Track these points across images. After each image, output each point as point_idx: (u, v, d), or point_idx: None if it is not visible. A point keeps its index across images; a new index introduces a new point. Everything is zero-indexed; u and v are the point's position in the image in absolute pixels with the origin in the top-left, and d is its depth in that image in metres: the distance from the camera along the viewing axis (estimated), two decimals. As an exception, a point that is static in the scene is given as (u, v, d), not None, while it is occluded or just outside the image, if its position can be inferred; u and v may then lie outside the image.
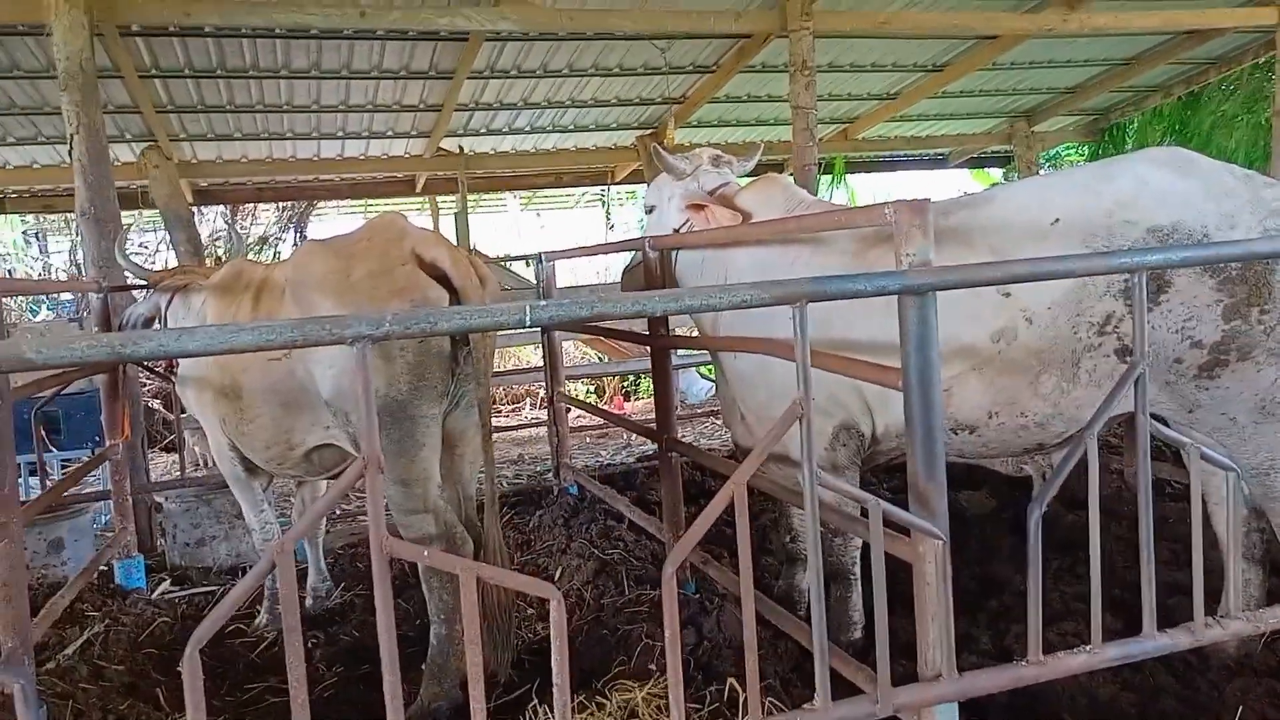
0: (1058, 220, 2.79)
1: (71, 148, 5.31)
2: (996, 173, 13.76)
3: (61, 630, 3.85)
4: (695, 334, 4.30)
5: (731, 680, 2.85)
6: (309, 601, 4.23)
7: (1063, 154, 13.26)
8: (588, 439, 8.81)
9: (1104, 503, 2.24)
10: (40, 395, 4.78)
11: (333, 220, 13.33)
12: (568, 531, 4.69)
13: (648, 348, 3.88)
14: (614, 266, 11.79)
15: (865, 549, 3.28)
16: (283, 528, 4.23)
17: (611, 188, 13.56)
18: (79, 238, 12.29)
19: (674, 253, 3.82)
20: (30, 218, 12.60)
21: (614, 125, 9.93)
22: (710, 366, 9.75)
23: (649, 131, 10.00)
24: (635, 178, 11.44)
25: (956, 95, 10.23)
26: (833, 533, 3.30)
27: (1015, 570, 3.85)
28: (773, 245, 3.35)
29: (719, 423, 8.91)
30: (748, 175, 3.96)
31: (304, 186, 10.90)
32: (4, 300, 4.91)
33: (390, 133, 9.20)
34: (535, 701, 2.86)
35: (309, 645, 3.78)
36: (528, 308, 1.87)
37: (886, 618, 2.06)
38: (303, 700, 1.74)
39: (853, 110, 10.50)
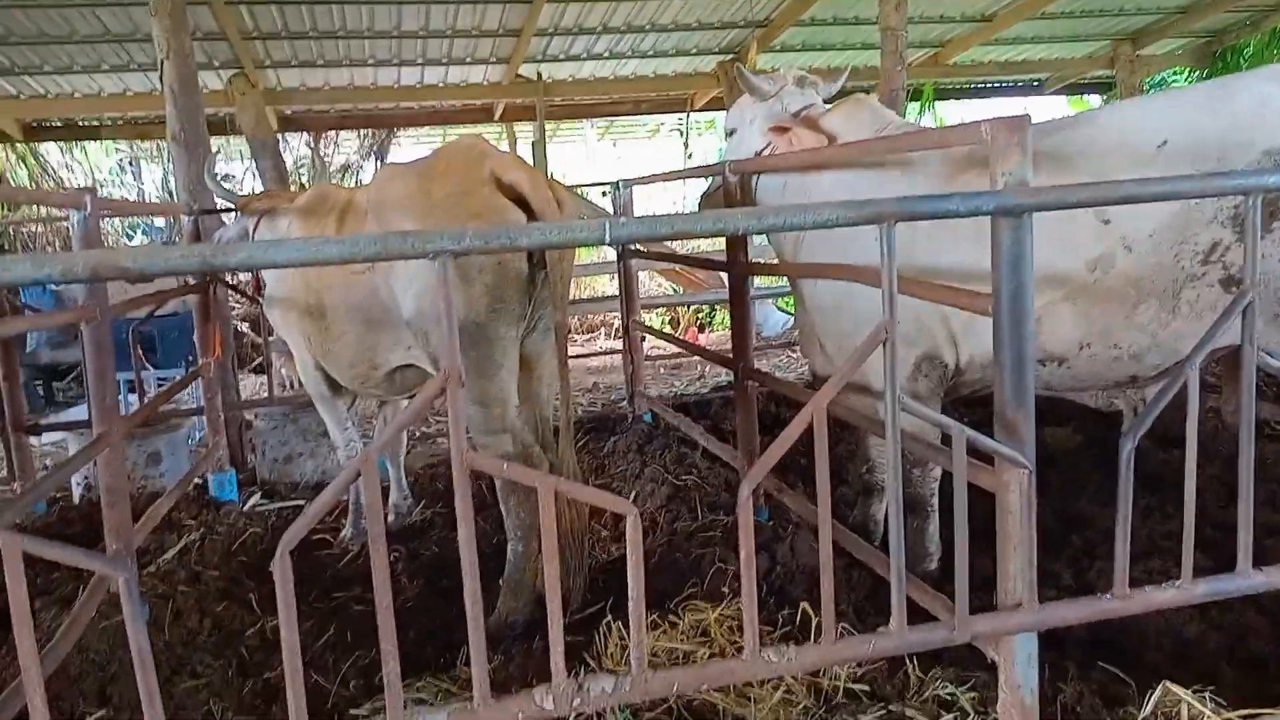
0: (1165, 142, 2.63)
1: (162, 74, 5.41)
2: (1096, 100, 13.08)
3: (161, 536, 4.05)
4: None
5: (804, 605, 2.85)
6: (391, 518, 4.36)
7: (1169, 80, 12.52)
8: (662, 369, 8.83)
9: (1200, 441, 2.14)
10: (137, 315, 4.97)
11: (412, 148, 13.40)
12: (642, 458, 4.72)
13: (723, 281, 3.85)
14: (692, 197, 11.64)
15: (944, 481, 3.24)
16: (365, 445, 4.35)
17: (690, 116, 13.33)
18: (170, 164, 12.67)
19: (754, 177, 3.74)
20: (124, 145, 12.97)
21: (694, 50, 9.71)
22: (787, 299, 9.64)
23: (730, 57, 9.76)
24: (715, 105, 11.21)
25: (1056, 16, 9.70)
26: (912, 462, 3.25)
27: (1100, 507, 3.75)
28: (858, 169, 3.24)
29: (794, 356, 8.82)
30: (834, 99, 3.83)
31: (384, 114, 10.96)
32: (101, 225, 5.08)
33: (469, 59, 9.16)
34: (610, 618, 2.91)
35: (391, 559, 3.89)
36: (607, 224, 1.85)
37: (966, 546, 2.02)
38: (387, 604, 1.79)
39: (944, 33, 10.06)
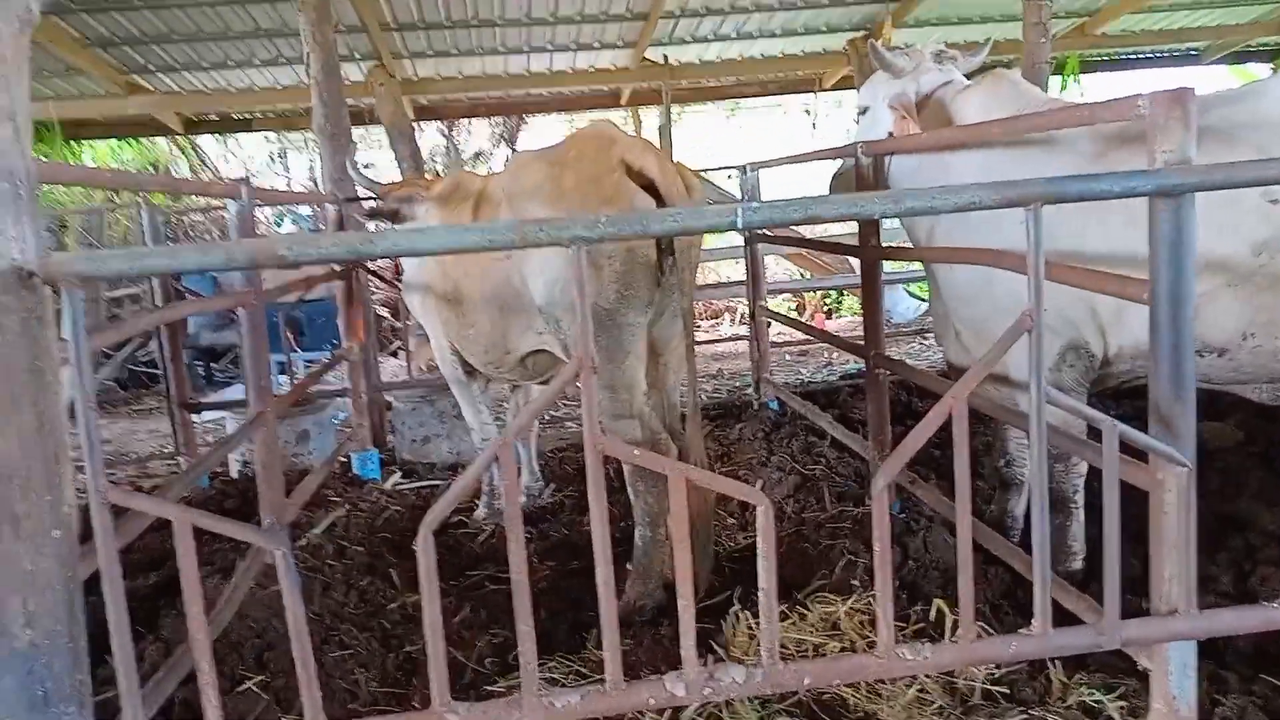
0: (1346, 113, 2.41)
1: (308, 67, 5.68)
2: (1262, 69, 12.11)
3: (310, 512, 4.27)
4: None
5: (938, 602, 2.77)
6: (522, 499, 4.47)
7: (1348, 44, 11.48)
8: (787, 355, 8.72)
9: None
10: (287, 300, 5.24)
11: (541, 134, 13.65)
12: (768, 446, 4.68)
13: (851, 266, 3.72)
14: (820, 179, 11.45)
15: (1089, 476, 3.08)
16: (499, 429, 4.46)
17: (818, 96, 13.08)
18: (316, 154, 13.31)
19: (887, 158, 3.63)
20: (273, 136, 13.70)
21: (824, 28, 9.50)
22: (919, 284, 9.35)
23: (862, 34, 9.50)
24: (844, 85, 10.95)
25: (1219, -22, 9.04)
26: (1055, 458, 3.11)
27: (1264, 508, 3.50)
28: (999, 148, 3.10)
29: (926, 343, 8.57)
30: (975, 73, 3.68)
31: (514, 101, 11.18)
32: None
33: (597, 44, 9.23)
34: (737, 607, 2.90)
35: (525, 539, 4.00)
36: (740, 209, 1.83)
37: (1117, 546, 1.92)
38: (524, 585, 1.83)
39: (1092, 1, 9.51)
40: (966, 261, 2.85)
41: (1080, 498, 3.17)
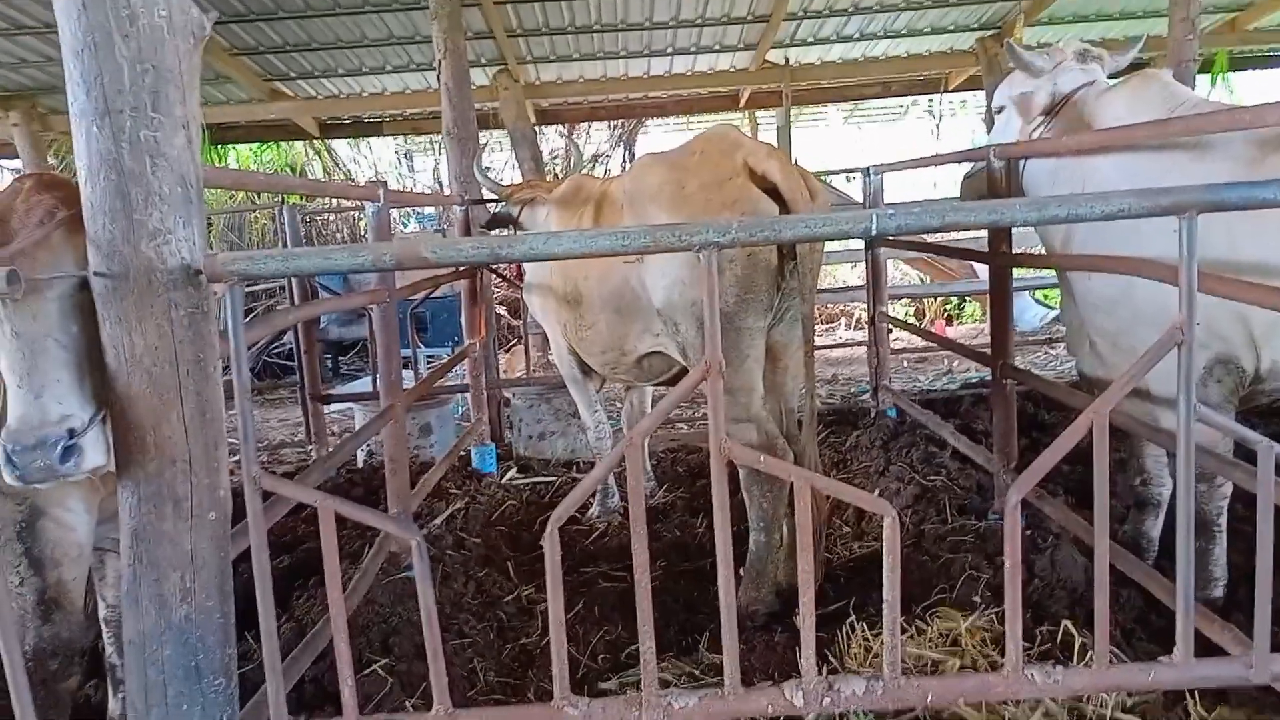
0: None
1: (439, 73, 5.87)
2: None
3: (431, 503, 4.42)
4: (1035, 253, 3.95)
5: (1066, 623, 2.67)
6: (634, 498, 4.51)
7: None
8: (904, 362, 8.52)
9: None
10: (413, 298, 5.42)
11: (658, 137, 13.73)
12: (886, 454, 4.59)
13: (974, 271, 3.60)
14: (943, 183, 11.10)
15: (1234, 498, 2.91)
16: (613, 429, 4.52)
17: (942, 97, 12.74)
18: (441, 156, 13.74)
19: (1020, 161, 3.51)
20: (401, 139, 14.20)
21: (951, 27, 9.24)
22: (1046, 291, 9.00)
23: (992, 33, 9.20)
24: (970, 85, 10.63)
25: (1391, -33, 8.38)
26: (1198, 478, 2.94)
27: None
28: (1144, 151, 2.95)
29: (1054, 353, 8.23)
30: (1120, 74, 3.52)
31: (633, 104, 11.28)
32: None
33: (717, 46, 9.23)
34: (853, 618, 2.86)
35: (635, 538, 4.05)
36: (874, 216, 1.81)
37: (1270, 574, 1.81)
38: (645, 584, 1.85)
39: (1245, -6, 8.97)
40: (1107, 270, 2.73)
41: (1224, 521, 3.00)
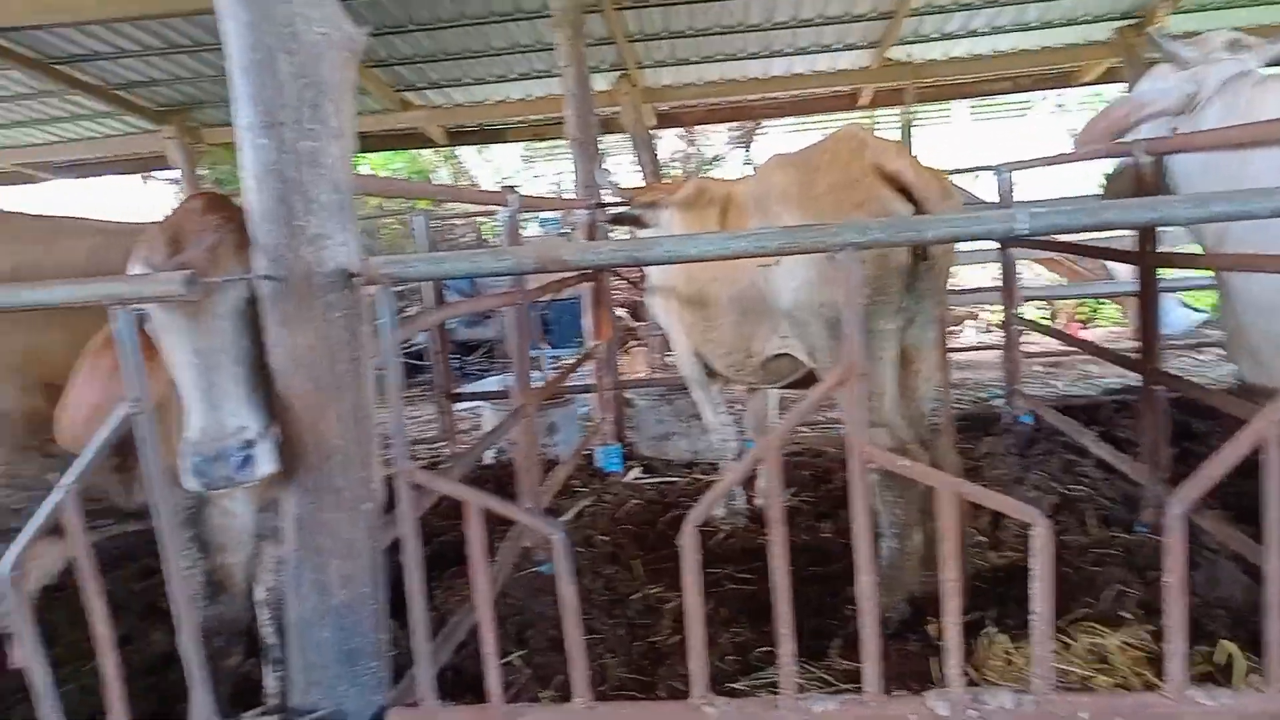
0: None
1: (563, 80, 5.98)
2: None
3: (558, 501, 4.50)
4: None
5: (1225, 643, 2.52)
6: (759, 501, 4.48)
7: None
8: (1036, 366, 8.20)
9: None
10: (538, 300, 5.52)
11: (776, 139, 13.62)
12: (1022, 462, 4.42)
13: (1109, 272, 3.40)
14: (1076, 182, 10.61)
15: None
16: (737, 431, 4.51)
17: (1072, 91, 12.19)
18: (562, 161, 13.99)
19: (1167, 157, 3.33)
20: (522, 145, 14.51)
21: (1087, 18, 8.83)
22: (1195, 293, 8.49)
23: (1132, 22, 8.76)
24: (1106, 79, 10.14)
25: None
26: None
27: None
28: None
29: (1202, 358, 7.78)
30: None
31: (751, 106, 11.21)
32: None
33: (839, 45, 9.09)
34: (991, 629, 2.78)
35: (759, 543, 4.03)
36: (1022, 213, 1.75)
37: None
38: (784, 586, 1.84)
39: None
40: (1272, 270, 2.57)
41: None
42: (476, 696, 2.84)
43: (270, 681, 2.93)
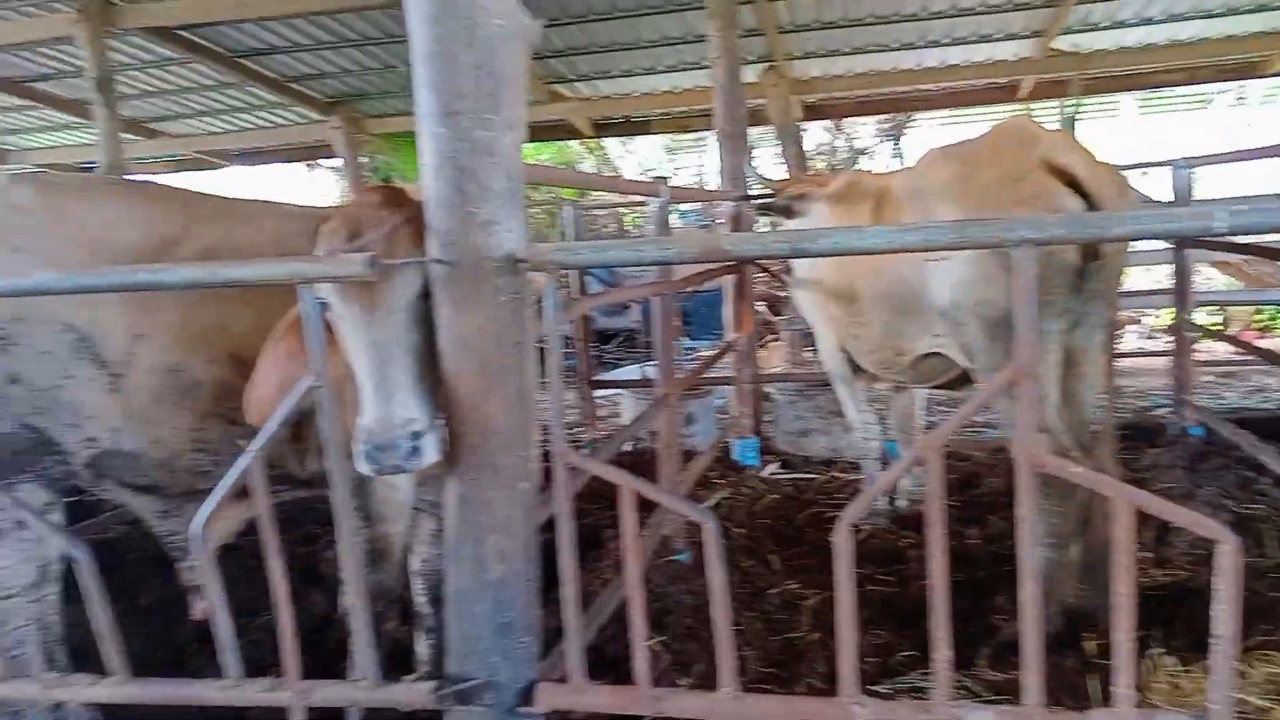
0: None
1: (713, 71, 5.97)
2: None
3: (695, 492, 4.52)
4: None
5: None
6: (902, 503, 4.38)
7: None
8: (1206, 376, 7.66)
9: None
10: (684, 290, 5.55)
11: (927, 132, 13.18)
12: (1192, 477, 4.15)
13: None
14: (1263, 178, 9.83)
15: None
16: (881, 430, 4.42)
17: (1257, 83, 11.29)
18: (707, 152, 13.97)
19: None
20: (665, 137, 14.59)
21: (1275, 3, 8.19)
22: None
23: (1330, 6, 8.07)
24: (1300, 67, 9.36)
25: None
26: None
27: None
28: None
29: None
30: None
31: (902, 98, 10.91)
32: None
33: (999, 35, 8.73)
34: (1159, 650, 2.63)
35: (904, 544, 3.93)
36: (1221, 211, 1.64)
37: None
38: (943, 589, 1.80)
39: None
40: None
41: None
42: (615, 677, 2.90)
43: (421, 649, 3.06)
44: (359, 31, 8.09)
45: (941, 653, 1.80)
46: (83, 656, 2.66)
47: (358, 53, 8.63)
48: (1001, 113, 12.22)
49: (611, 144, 14.71)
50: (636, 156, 14.95)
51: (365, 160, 10.86)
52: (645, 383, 6.29)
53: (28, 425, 2.40)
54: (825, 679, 3.00)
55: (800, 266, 4.28)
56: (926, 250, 1.85)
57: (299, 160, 12.64)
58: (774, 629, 3.27)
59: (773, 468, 5.11)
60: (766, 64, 9.11)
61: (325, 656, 2.97)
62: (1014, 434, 3.06)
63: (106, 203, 2.58)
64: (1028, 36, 8.79)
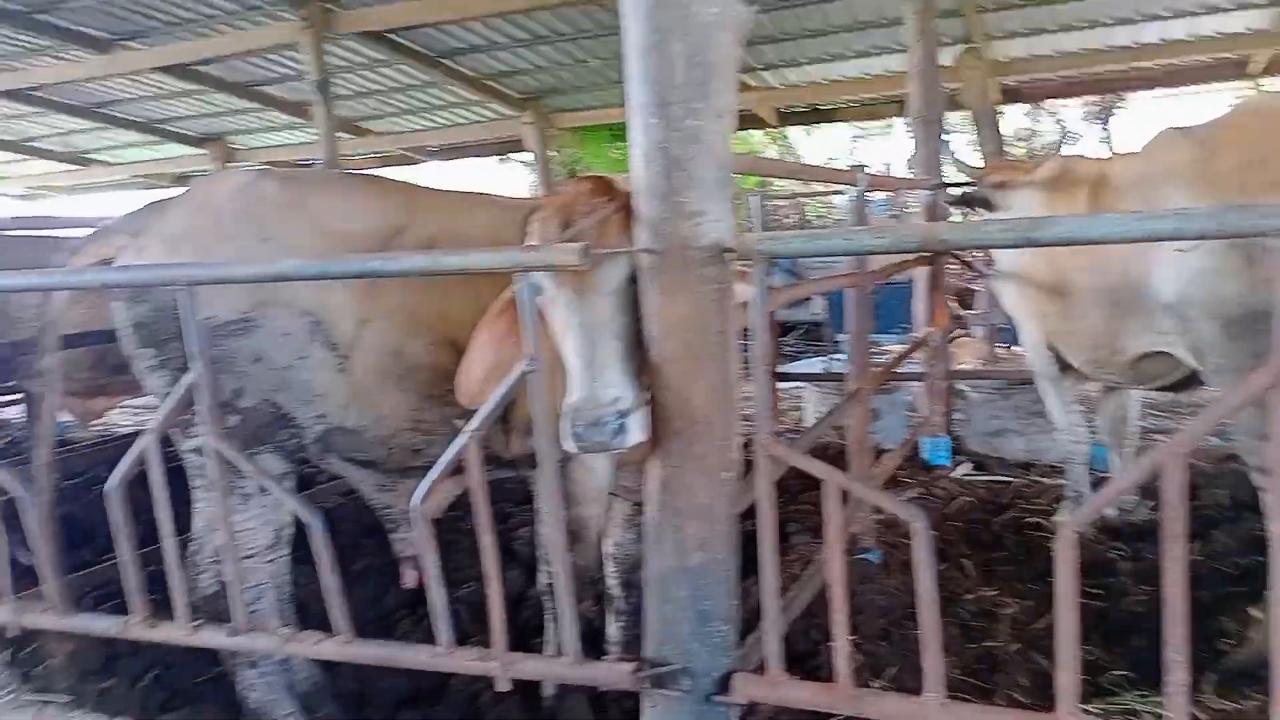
0: None
1: (910, 55, 5.76)
2: None
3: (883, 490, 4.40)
4: None
5: None
6: (1112, 512, 4.09)
7: None
8: None
9: None
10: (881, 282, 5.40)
11: (1141, 113, 12.26)
12: None
13: None
14: None
15: None
16: (1089, 434, 4.15)
17: None
18: (891, 140, 13.61)
19: None
20: (850, 125, 14.28)
21: None
22: None
23: None
24: None
25: None
26: None
27: None
28: None
29: None
30: None
31: (1114, 77, 10.15)
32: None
33: (1230, 5, 7.97)
34: None
35: (1113, 556, 3.69)
36: None
37: None
38: (1180, 609, 1.66)
39: None
40: None
41: None
42: (805, 673, 2.87)
43: (613, 630, 3.14)
44: (552, 28, 8.33)
45: (1176, 676, 1.67)
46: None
47: (550, 49, 8.90)
48: (1229, 91, 11.18)
49: (795, 133, 14.53)
50: (820, 146, 14.71)
51: (554, 154, 11.19)
52: (831, 376, 6.17)
53: (269, 400, 2.62)
54: (1026, 693, 2.86)
55: (1005, 258, 4.07)
56: (1173, 239, 1.71)
57: (491, 155, 13.18)
58: (970, 637, 3.15)
59: (965, 468, 4.90)
60: (964, 46, 8.71)
61: (515, 632, 3.09)
62: (1242, 442, 2.82)
63: (341, 195, 2.77)
64: (1264, 5, 7.98)
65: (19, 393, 5.46)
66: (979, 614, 3.33)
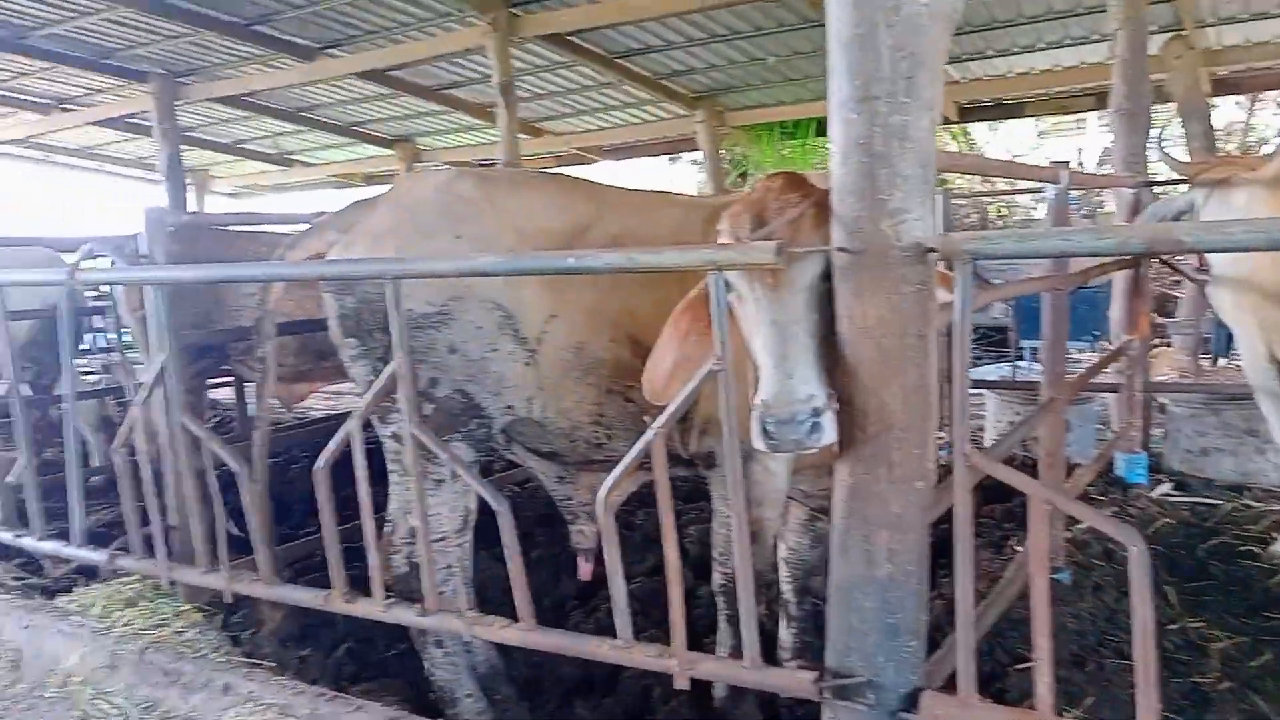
0: None
1: (1113, 44, 5.38)
2: None
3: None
4: None
5: None
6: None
7: None
8: None
9: None
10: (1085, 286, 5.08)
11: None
12: None
13: None
14: None
15: None
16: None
17: None
18: (1083, 135, 12.77)
19: None
20: (1036, 121, 13.52)
21: None
22: None
23: None
24: None
25: None
26: None
27: None
28: None
29: None
30: None
31: (1345, 65, 9.18)
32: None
33: None
34: None
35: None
36: None
37: None
38: None
39: None
40: None
41: None
42: (987, 695, 2.73)
43: (786, 636, 3.09)
44: (728, 26, 8.30)
45: None
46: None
47: (725, 47, 8.87)
48: None
49: (977, 129, 13.89)
50: (1003, 142, 13.98)
51: (724, 153, 11.16)
52: (1019, 384, 5.87)
53: (461, 390, 2.72)
54: (1242, 734, 2.62)
55: (1224, 261, 3.74)
56: None
57: (662, 154, 13.28)
58: (1174, 670, 2.91)
59: (1165, 488, 4.54)
60: (1170, 33, 8.08)
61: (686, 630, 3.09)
62: None
63: (531, 193, 2.85)
64: None
65: (229, 376, 5.95)
66: (1184, 646, 3.08)
